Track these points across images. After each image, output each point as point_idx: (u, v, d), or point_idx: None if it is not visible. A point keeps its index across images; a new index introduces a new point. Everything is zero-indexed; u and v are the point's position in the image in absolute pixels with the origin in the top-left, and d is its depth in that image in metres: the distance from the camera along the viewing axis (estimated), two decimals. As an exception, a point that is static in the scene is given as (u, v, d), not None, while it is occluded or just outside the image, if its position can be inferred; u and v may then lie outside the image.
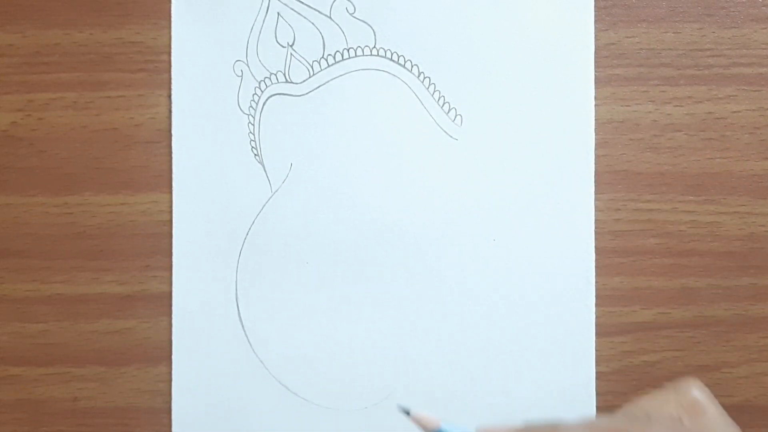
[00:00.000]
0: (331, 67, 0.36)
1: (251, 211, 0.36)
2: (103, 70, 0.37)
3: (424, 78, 0.36)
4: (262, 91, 0.36)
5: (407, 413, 0.30)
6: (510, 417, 0.36)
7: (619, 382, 0.36)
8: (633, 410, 0.30)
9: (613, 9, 0.36)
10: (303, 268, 0.36)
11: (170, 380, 0.36)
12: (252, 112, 0.36)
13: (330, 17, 0.36)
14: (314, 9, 0.36)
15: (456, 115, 0.36)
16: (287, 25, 0.36)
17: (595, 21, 0.36)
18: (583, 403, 0.35)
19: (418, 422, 0.31)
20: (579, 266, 0.36)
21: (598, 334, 0.36)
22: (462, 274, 0.36)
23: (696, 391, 0.30)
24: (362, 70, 0.36)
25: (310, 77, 0.36)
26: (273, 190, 0.36)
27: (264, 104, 0.36)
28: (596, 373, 0.36)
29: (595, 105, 0.36)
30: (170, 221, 0.36)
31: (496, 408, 0.36)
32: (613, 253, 0.36)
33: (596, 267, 0.36)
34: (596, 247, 0.36)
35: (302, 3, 0.36)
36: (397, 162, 0.36)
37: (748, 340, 0.31)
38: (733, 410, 0.28)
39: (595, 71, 0.36)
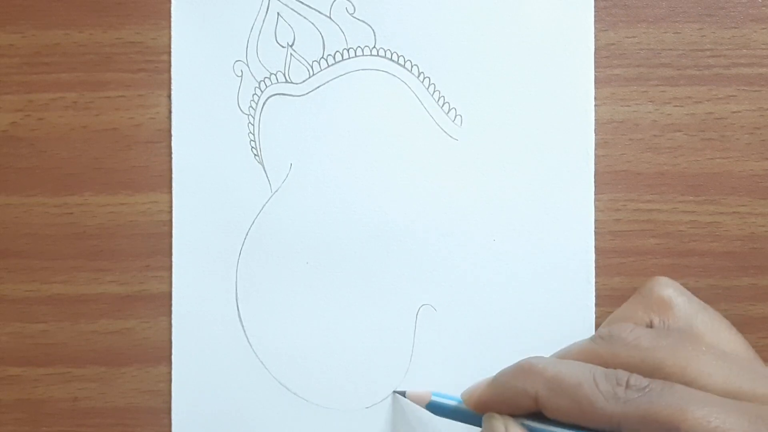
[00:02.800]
0: (331, 67, 0.36)
1: (251, 211, 0.36)
2: (103, 70, 0.37)
3: (424, 78, 0.36)
4: (262, 91, 0.36)
5: (403, 395, 0.34)
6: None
7: (619, 382, 0.36)
8: (601, 332, 0.30)
9: (613, 9, 0.36)
10: (303, 268, 0.36)
11: (170, 380, 0.36)
12: (252, 112, 0.36)
13: (330, 17, 0.36)
14: (314, 9, 0.36)
15: (456, 115, 0.36)
16: (287, 25, 0.36)
17: (595, 21, 0.36)
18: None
19: (413, 400, 0.34)
20: (579, 266, 0.36)
21: (598, 334, 0.36)
22: (462, 273, 0.36)
23: (661, 289, 0.30)
24: (362, 70, 0.36)
25: (310, 77, 0.36)
26: (273, 190, 0.36)
27: (264, 104, 0.36)
28: (596, 373, 0.36)
29: (595, 105, 0.36)
30: (170, 221, 0.36)
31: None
32: (613, 253, 0.36)
33: (596, 267, 0.36)
34: (596, 247, 0.36)
35: (302, 3, 0.36)
36: (397, 162, 0.36)
37: (748, 340, 0.31)
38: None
39: (595, 71, 0.36)
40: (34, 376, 0.36)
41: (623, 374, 0.27)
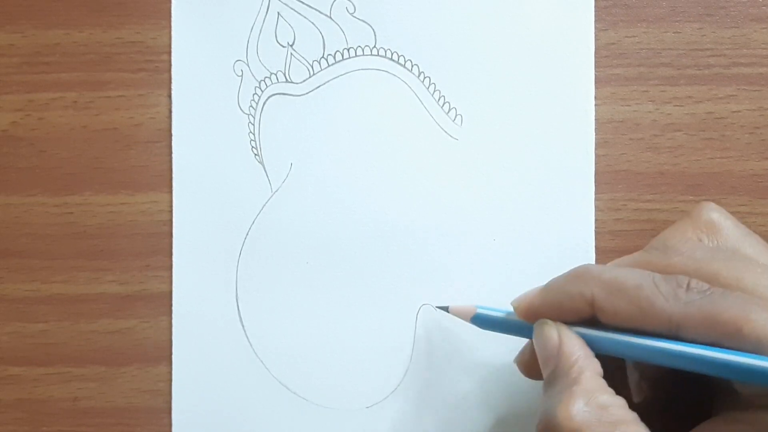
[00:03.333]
0: (331, 67, 0.36)
1: (251, 210, 0.36)
2: (103, 70, 0.37)
3: (424, 78, 0.36)
4: (262, 91, 0.36)
5: (446, 309, 0.34)
6: (511, 417, 0.36)
7: (620, 382, 0.36)
8: (653, 245, 0.30)
9: (613, 9, 0.36)
10: (303, 267, 0.36)
11: (170, 380, 0.36)
12: (252, 111, 0.36)
13: (330, 17, 0.36)
14: (314, 9, 0.36)
15: (456, 115, 0.36)
16: (287, 24, 0.36)
17: (595, 21, 0.36)
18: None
19: (457, 314, 0.33)
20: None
21: (598, 334, 0.36)
22: (462, 273, 0.36)
23: (710, 212, 0.30)
24: (362, 69, 0.36)
25: (310, 77, 0.36)
26: (273, 190, 0.36)
27: (264, 104, 0.36)
28: (596, 372, 0.35)
29: (595, 105, 0.36)
30: (170, 221, 0.36)
31: (496, 407, 0.36)
32: (613, 253, 0.36)
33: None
34: (596, 247, 0.36)
35: (302, 3, 0.36)
36: (397, 162, 0.36)
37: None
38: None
39: (595, 71, 0.36)
40: (34, 375, 0.36)
41: (683, 277, 0.27)
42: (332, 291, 0.36)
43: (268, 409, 0.36)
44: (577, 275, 0.29)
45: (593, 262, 0.36)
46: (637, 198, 0.36)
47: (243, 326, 0.36)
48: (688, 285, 0.26)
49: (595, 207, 0.36)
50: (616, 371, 0.29)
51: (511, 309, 0.31)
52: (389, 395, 0.36)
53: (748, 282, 0.27)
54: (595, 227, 0.36)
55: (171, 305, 0.36)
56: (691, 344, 0.26)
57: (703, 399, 0.28)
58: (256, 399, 0.36)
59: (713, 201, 0.35)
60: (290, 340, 0.36)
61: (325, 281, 0.36)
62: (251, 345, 0.36)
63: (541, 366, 0.29)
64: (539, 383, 0.29)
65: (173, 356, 0.36)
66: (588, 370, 0.27)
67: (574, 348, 0.28)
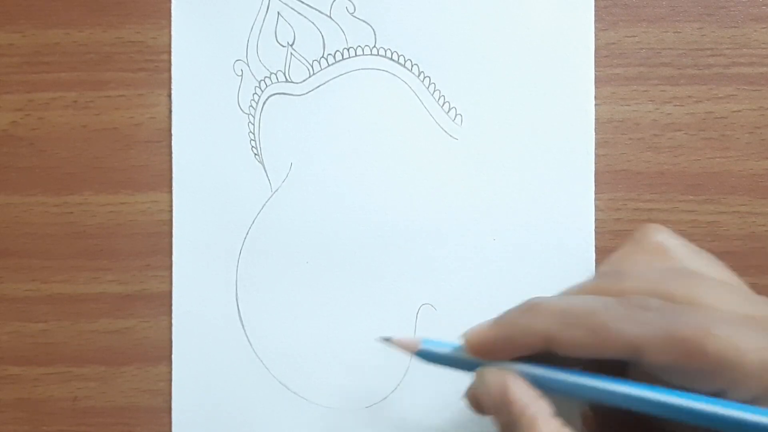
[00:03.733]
0: (331, 67, 0.36)
1: (251, 210, 0.36)
2: (103, 69, 0.37)
3: (424, 78, 0.36)
4: (262, 91, 0.36)
5: (388, 340, 0.30)
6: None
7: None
8: (603, 271, 0.29)
9: (613, 9, 0.36)
10: (303, 267, 0.36)
11: (170, 380, 0.36)
12: (252, 111, 0.36)
13: (330, 17, 0.36)
14: (314, 8, 0.36)
15: (456, 115, 0.36)
16: (287, 24, 0.36)
17: (595, 21, 0.36)
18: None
19: (400, 347, 0.30)
20: (579, 266, 0.36)
21: (598, 334, 0.36)
22: (462, 273, 0.36)
23: (656, 235, 0.29)
24: (362, 69, 0.36)
25: (310, 77, 0.36)
26: (273, 190, 0.36)
27: (264, 104, 0.36)
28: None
29: (595, 105, 0.36)
30: (170, 221, 0.36)
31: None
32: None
33: (596, 267, 0.36)
34: (596, 247, 0.36)
35: (302, 2, 0.36)
36: (397, 162, 0.36)
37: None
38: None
39: (595, 71, 0.36)
40: (34, 375, 0.36)
41: (638, 297, 0.26)
42: (332, 291, 0.36)
43: (268, 409, 0.36)
44: (529, 308, 0.27)
45: (593, 262, 0.36)
46: (637, 198, 0.36)
47: (243, 326, 0.36)
48: (647, 304, 0.25)
49: (595, 207, 0.36)
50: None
51: (458, 343, 0.29)
52: (389, 395, 0.36)
53: (705, 299, 0.26)
54: (595, 227, 0.36)
55: (171, 305, 0.36)
56: (657, 389, 0.25)
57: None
58: (256, 399, 0.36)
59: (712, 203, 0.36)
60: (290, 340, 0.36)
61: (325, 281, 0.36)
62: (251, 345, 0.36)
63: (488, 413, 0.28)
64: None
65: (173, 356, 0.36)
66: (540, 415, 0.26)
67: (520, 393, 0.27)
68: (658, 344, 0.25)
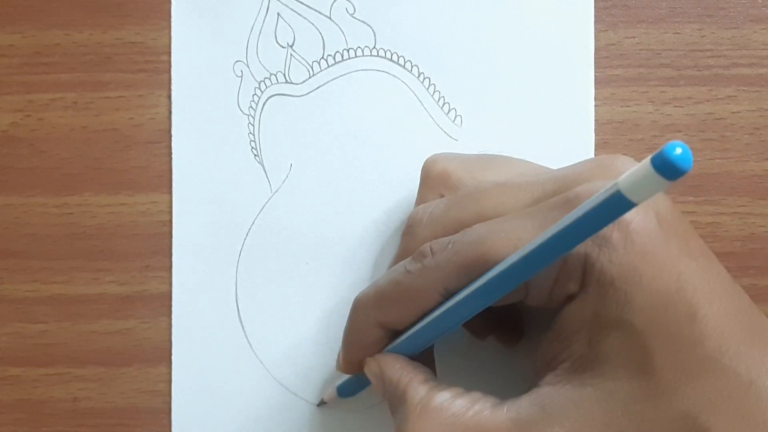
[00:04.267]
0: (331, 68, 0.36)
1: (251, 211, 0.36)
2: (103, 70, 0.37)
3: (424, 78, 0.36)
4: (262, 92, 0.36)
5: (324, 403, 0.35)
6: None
7: (619, 383, 0.36)
8: (403, 231, 0.30)
9: (613, 9, 0.36)
10: (303, 268, 0.36)
11: (170, 380, 0.36)
12: (252, 112, 0.36)
13: (330, 18, 0.36)
14: (314, 9, 0.36)
15: (456, 116, 0.36)
16: (287, 25, 0.36)
17: (595, 21, 0.36)
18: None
19: (330, 402, 0.34)
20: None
21: (597, 335, 0.36)
22: (462, 274, 0.36)
23: (433, 167, 0.31)
24: (362, 70, 0.36)
25: (310, 77, 0.36)
26: (273, 190, 0.36)
27: (264, 104, 0.36)
28: (596, 373, 0.35)
29: (595, 106, 0.36)
30: (170, 221, 0.36)
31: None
32: (613, 254, 0.36)
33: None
34: (596, 248, 0.36)
35: (302, 3, 0.36)
36: (397, 162, 0.36)
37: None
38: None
39: (595, 71, 0.36)
40: (34, 376, 0.36)
41: (424, 246, 0.27)
42: (332, 291, 0.36)
43: (268, 410, 0.36)
44: (354, 311, 0.29)
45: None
46: (636, 198, 0.36)
47: (243, 326, 0.36)
48: (431, 249, 0.26)
49: (595, 207, 0.36)
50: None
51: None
52: (389, 395, 0.36)
53: (486, 210, 0.27)
54: (595, 228, 0.36)
55: (171, 305, 0.36)
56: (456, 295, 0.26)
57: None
58: (256, 399, 0.36)
59: (712, 203, 0.36)
60: (290, 340, 0.36)
61: (325, 282, 0.36)
62: (251, 345, 0.36)
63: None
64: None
65: (173, 356, 0.36)
66: (410, 385, 0.27)
67: (393, 369, 0.28)
68: (453, 277, 0.25)
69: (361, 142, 0.36)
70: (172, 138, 0.36)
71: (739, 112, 0.36)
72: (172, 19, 0.36)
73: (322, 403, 0.35)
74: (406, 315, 0.27)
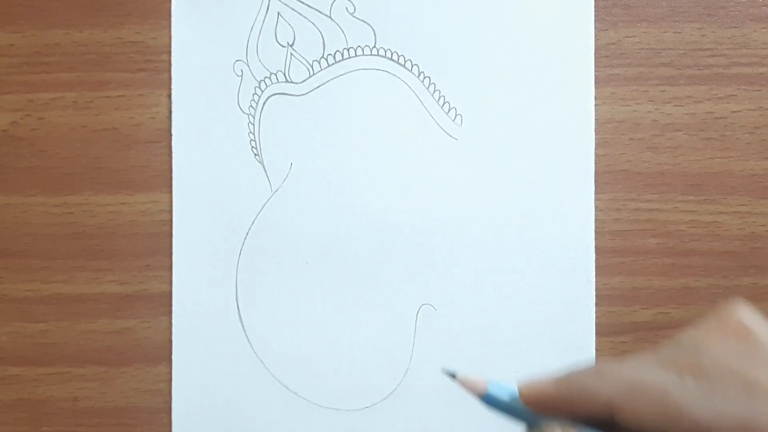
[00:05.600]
0: (331, 67, 0.36)
1: (251, 210, 0.36)
2: (103, 70, 0.37)
3: (424, 78, 0.36)
4: (262, 91, 0.36)
5: (453, 376, 0.29)
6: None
7: (619, 382, 0.36)
8: (679, 341, 0.28)
9: (613, 9, 0.36)
10: (303, 267, 0.36)
11: (170, 380, 0.36)
12: (252, 111, 0.36)
13: (330, 17, 0.36)
14: (314, 9, 0.36)
15: (456, 115, 0.36)
16: (287, 24, 0.36)
17: (595, 21, 0.36)
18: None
19: (466, 386, 0.30)
20: (579, 266, 0.36)
21: (598, 334, 0.36)
22: (462, 273, 0.36)
23: (740, 314, 0.28)
24: (362, 69, 0.36)
25: (310, 77, 0.36)
26: (273, 190, 0.36)
27: (264, 104, 0.36)
28: (596, 372, 0.35)
29: (595, 105, 0.36)
30: (170, 221, 0.36)
31: (496, 408, 0.36)
32: (613, 253, 0.36)
33: (596, 267, 0.36)
34: (596, 247, 0.36)
35: (302, 3, 0.36)
36: (397, 161, 0.36)
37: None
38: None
39: (595, 71, 0.36)
40: (34, 375, 0.36)
41: (716, 382, 0.25)
42: (332, 291, 0.36)
43: (268, 409, 0.36)
44: (597, 372, 0.26)
45: (593, 262, 0.36)
46: (637, 198, 0.36)
47: (243, 326, 0.36)
48: (724, 388, 0.25)
49: (595, 207, 0.36)
50: None
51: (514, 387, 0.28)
52: (389, 395, 0.36)
53: None
54: (595, 227, 0.36)
55: (171, 305, 0.36)
56: None
57: None
58: (256, 399, 0.36)
59: (712, 203, 0.35)
60: (290, 340, 0.36)
61: (325, 281, 0.36)
62: (251, 345, 0.36)
63: None
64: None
65: (173, 356, 0.36)
66: None
67: None
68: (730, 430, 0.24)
69: (361, 141, 0.36)
70: (172, 137, 0.36)
71: (739, 111, 0.36)
72: (172, 19, 0.36)
73: (451, 375, 0.31)
74: (647, 418, 0.25)
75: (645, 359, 0.28)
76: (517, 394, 0.28)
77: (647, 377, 0.26)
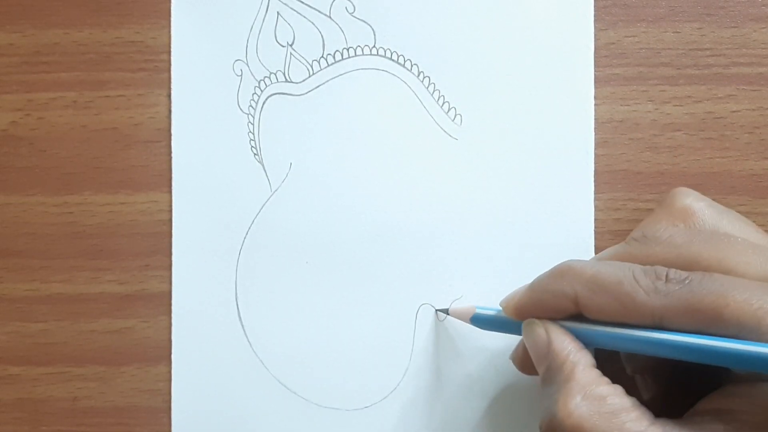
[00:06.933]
0: (331, 67, 0.36)
1: (251, 210, 0.36)
2: (103, 69, 0.37)
3: (424, 78, 0.36)
4: (262, 91, 0.36)
5: (446, 312, 0.35)
6: (511, 417, 0.36)
7: (619, 382, 0.36)
8: (633, 236, 0.30)
9: (613, 8, 0.36)
10: (303, 267, 0.36)
11: (170, 380, 0.36)
12: (251, 111, 0.36)
13: (330, 17, 0.36)
14: (314, 8, 0.36)
15: (456, 115, 0.36)
16: (287, 24, 0.36)
17: (595, 21, 0.36)
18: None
19: (457, 315, 0.34)
20: (579, 266, 0.36)
21: (597, 334, 0.36)
22: (462, 273, 0.36)
23: (682, 198, 0.30)
24: (362, 69, 0.36)
25: (309, 77, 0.36)
26: (272, 190, 0.36)
27: (264, 104, 0.36)
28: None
29: (595, 105, 0.36)
30: (170, 221, 0.36)
31: (496, 407, 0.36)
32: (613, 253, 0.36)
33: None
34: (596, 247, 0.36)
35: (302, 2, 0.36)
36: (396, 161, 0.36)
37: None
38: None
39: (595, 71, 0.36)
40: (34, 375, 0.36)
41: (662, 269, 0.27)
42: (332, 291, 0.36)
43: (267, 409, 0.36)
44: (560, 273, 0.29)
45: (593, 262, 0.36)
46: (636, 198, 0.36)
47: (243, 326, 0.36)
48: (667, 276, 0.27)
49: (595, 207, 0.36)
50: (610, 359, 0.30)
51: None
52: (389, 395, 0.36)
53: (729, 261, 0.27)
54: (595, 227, 0.36)
55: (171, 305, 0.36)
56: (673, 333, 0.26)
57: (703, 382, 0.28)
58: (255, 399, 0.36)
59: (712, 200, 0.35)
60: (290, 340, 0.36)
61: (325, 281, 0.36)
62: (251, 345, 0.36)
63: (535, 365, 0.30)
64: (534, 383, 0.29)
65: (173, 356, 0.36)
66: (580, 363, 0.28)
67: (563, 343, 0.28)
68: (679, 315, 0.26)
69: (361, 141, 0.36)
70: (172, 137, 0.36)
71: (738, 111, 0.36)
72: (172, 19, 0.36)
73: (443, 312, 0.35)
74: (604, 313, 0.28)
75: (602, 256, 0.30)
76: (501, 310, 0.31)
77: (603, 272, 0.28)
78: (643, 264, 0.28)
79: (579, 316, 0.29)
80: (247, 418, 0.36)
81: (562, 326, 0.29)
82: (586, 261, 0.29)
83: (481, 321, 0.33)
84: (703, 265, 0.27)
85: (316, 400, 0.36)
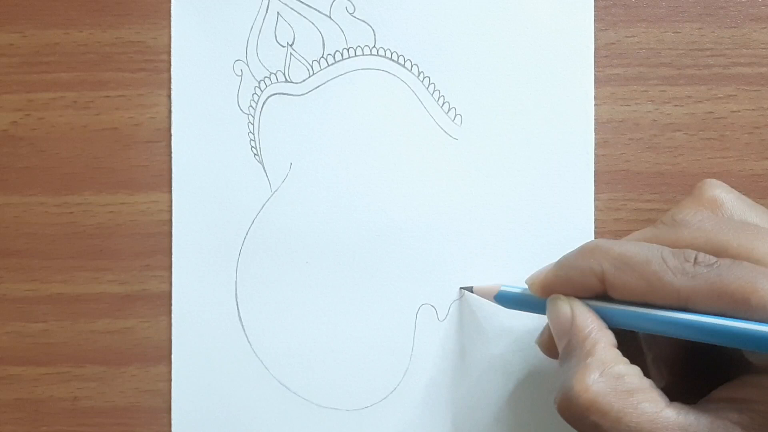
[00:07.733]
0: (331, 67, 0.36)
1: (251, 210, 0.36)
2: (103, 69, 0.37)
3: (424, 78, 0.36)
4: (262, 91, 0.36)
5: (470, 290, 0.35)
6: (511, 416, 0.36)
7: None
8: (662, 220, 0.30)
9: (613, 8, 0.36)
10: (303, 267, 0.36)
11: (170, 380, 0.36)
12: (252, 111, 0.36)
13: (330, 17, 0.36)
14: (314, 9, 0.36)
15: (456, 115, 0.36)
16: (287, 24, 0.36)
17: (595, 21, 0.36)
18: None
19: (482, 293, 0.34)
20: (579, 266, 0.36)
21: (597, 334, 0.36)
22: (462, 273, 0.36)
23: (712, 189, 0.30)
24: (362, 69, 0.36)
25: (309, 77, 0.36)
26: (273, 190, 0.36)
27: (264, 104, 0.36)
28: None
29: (595, 105, 0.36)
30: (170, 221, 0.36)
31: (496, 407, 0.36)
32: (613, 253, 0.36)
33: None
34: (596, 247, 0.36)
35: (302, 3, 0.36)
36: (396, 162, 0.36)
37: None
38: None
39: (595, 71, 0.36)
40: (34, 375, 0.36)
41: (691, 252, 0.27)
42: (332, 291, 0.36)
43: (268, 409, 0.36)
44: (588, 250, 0.29)
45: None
46: (636, 198, 0.36)
47: (243, 326, 0.36)
48: (696, 259, 0.27)
49: (595, 207, 0.36)
50: (630, 343, 0.30)
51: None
52: (389, 395, 0.36)
53: (758, 251, 0.27)
54: (595, 227, 0.36)
55: (171, 305, 0.36)
56: (700, 314, 0.26)
57: (718, 375, 0.28)
58: (255, 399, 0.36)
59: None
60: (290, 340, 0.36)
61: (325, 281, 0.36)
62: (251, 345, 0.36)
63: (556, 341, 0.30)
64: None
65: (173, 356, 0.36)
66: (601, 341, 0.28)
67: (586, 321, 0.28)
68: (705, 297, 0.26)
69: (360, 141, 0.36)
70: (172, 137, 0.36)
71: (738, 111, 0.36)
72: (172, 19, 0.36)
73: (467, 289, 0.35)
74: (630, 291, 0.28)
75: (630, 238, 0.30)
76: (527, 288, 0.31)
77: (632, 251, 0.28)
78: (672, 247, 0.28)
79: (604, 297, 0.29)
80: (247, 418, 0.36)
81: (587, 304, 0.29)
82: (615, 240, 0.30)
83: (505, 299, 0.33)
84: (731, 252, 0.27)
85: (316, 400, 0.36)
